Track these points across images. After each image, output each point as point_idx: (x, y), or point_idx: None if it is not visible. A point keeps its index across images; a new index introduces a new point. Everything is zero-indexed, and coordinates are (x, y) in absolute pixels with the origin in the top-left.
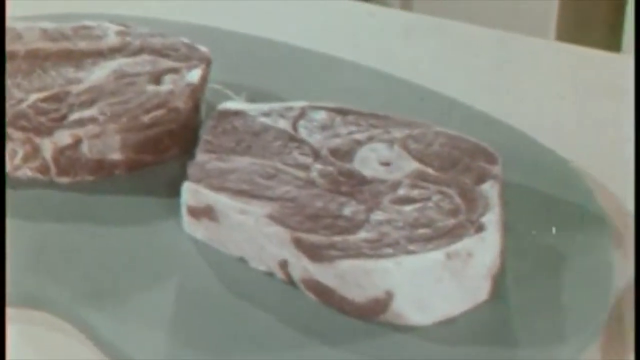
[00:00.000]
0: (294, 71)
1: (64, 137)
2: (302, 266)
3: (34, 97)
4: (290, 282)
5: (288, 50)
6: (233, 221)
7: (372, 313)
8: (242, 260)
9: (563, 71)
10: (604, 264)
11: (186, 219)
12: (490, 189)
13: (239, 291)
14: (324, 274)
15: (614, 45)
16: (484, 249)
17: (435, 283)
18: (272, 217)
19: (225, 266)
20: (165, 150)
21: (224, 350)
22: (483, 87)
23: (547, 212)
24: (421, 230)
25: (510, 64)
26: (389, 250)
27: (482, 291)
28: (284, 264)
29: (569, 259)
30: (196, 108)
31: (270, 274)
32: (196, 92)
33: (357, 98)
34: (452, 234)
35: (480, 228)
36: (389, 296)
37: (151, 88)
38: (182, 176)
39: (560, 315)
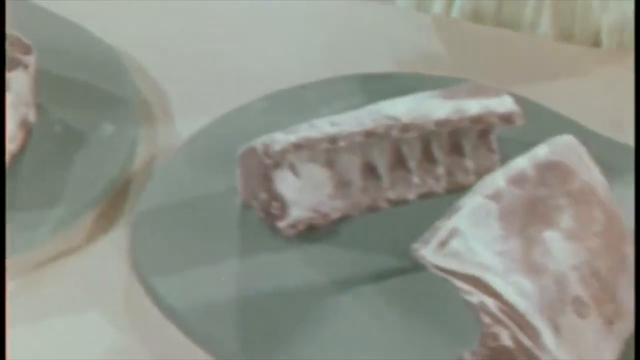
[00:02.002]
0: None
1: None
2: None
3: None
4: None
5: None
6: None
7: None
8: None
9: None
10: (124, 143)
11: None
12: (19, 76)
13: None
14: None
15: None
16: None
17: None
18: None
19: None
20: None
21: None
22: None
23: (83, 94)
24: None
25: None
26: None
27: None
28: None
29: (97, 137)
30: None
31: None
32: None
33: None
34: None
35: None
36: None
37: None
38: None
39: (73, 186)
